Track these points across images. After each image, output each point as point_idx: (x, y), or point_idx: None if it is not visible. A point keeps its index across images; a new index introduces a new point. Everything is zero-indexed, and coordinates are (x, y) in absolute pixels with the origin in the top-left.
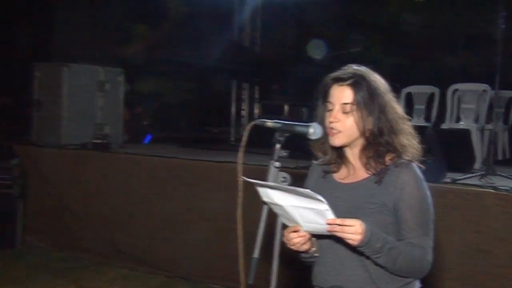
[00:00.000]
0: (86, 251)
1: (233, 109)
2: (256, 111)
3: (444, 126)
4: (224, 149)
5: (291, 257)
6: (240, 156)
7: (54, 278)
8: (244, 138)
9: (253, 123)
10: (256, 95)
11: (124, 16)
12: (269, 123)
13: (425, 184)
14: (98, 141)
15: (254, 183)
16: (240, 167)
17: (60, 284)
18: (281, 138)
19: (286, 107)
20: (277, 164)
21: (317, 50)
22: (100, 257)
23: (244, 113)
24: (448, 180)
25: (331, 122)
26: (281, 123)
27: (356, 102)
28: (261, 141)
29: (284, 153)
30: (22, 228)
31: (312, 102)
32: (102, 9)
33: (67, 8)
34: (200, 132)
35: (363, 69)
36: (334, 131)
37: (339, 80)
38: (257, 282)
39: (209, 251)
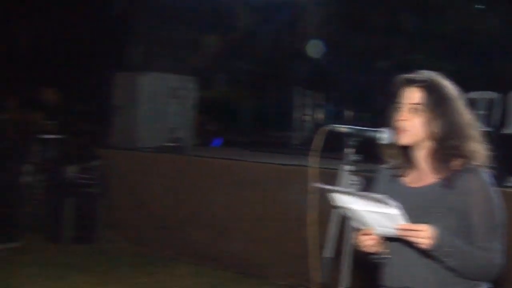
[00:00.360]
0: (160, 247)
1: (297, 115)
2: (318, 116)
3: (507, 131)
4: (288, 153)
5: (361, 258)
6: (314, 161)
7: (131, 272)
8: (318, 142)
9: (326, 128)
10: (318, 101)
11: (196, 27)
12: (342, 128)
13: (493, 189)
14: (171, 144)
15: (327, 189)
16: (314, 172)
17: (137, 277)
18: (353, 143)
19: (347, 113)
20: (348, 167)
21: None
22: (172, 253)
23: (307, 118)
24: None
25: (399, 121)
26: (353, 128)
27: (425, 104)
28: (326, 145)
29: (355, 157)
30: (101, 224)
31: (372, 107)
32: (175, 21)
33: (144, 21)
34: (264, 136)
35: (434, 74)
36: (402, 130)
37: (411, 81)
38: (328, 281)
39: (277, 249)
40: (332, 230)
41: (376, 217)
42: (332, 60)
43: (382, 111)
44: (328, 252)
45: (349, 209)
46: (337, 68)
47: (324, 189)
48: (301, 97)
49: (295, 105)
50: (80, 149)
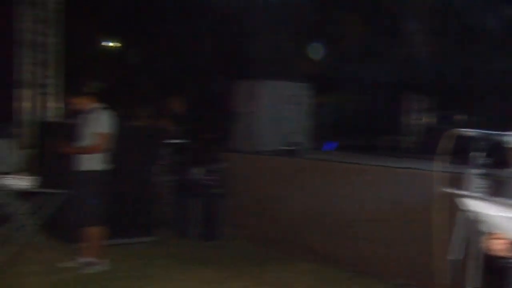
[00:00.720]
0: (279, 245)
1: (406, 119)
2: (429, 120)
3: None
4: (399, 156)
5: (490, 261)
6: (441, 164)
7: (253, 268)
8: (446, 146)
9: (454, 132)
10: (426, 106)
11: (310, 37)
12: (470, 132)
13: None
14: (288, 148)
15: (459, 194)
16: (440, 175)
17: (259, 273)
18: (481, 147)
19: (456, 117)
20: (476, 171)
21: None
22: (291, 251)
23: (418, 122)
24: None
25: None
26: (481, 132)
27: None
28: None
29: (483, 161)
30: (225, 223)
31: (481, 111)
32: (290, 34)
33: (262, 33)
34: (375, 140)
35: None
36: None
37: None
38: (453, 283)
39: (392, 249)
40: (459, 232)
41: (508, 221)
42: (444, 65)
43: (499, 115)
44: (454, 254)
45: (480, 213)
46: (445, 73)
47: (455, 194)
48: (412, 102)
49: (405, 110)
50: (206, 153)
